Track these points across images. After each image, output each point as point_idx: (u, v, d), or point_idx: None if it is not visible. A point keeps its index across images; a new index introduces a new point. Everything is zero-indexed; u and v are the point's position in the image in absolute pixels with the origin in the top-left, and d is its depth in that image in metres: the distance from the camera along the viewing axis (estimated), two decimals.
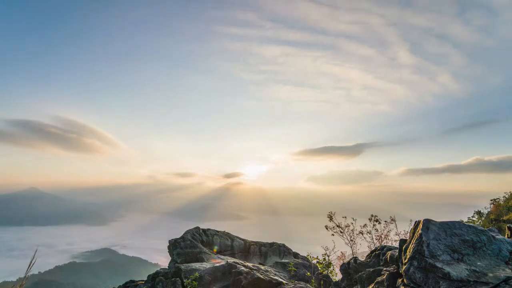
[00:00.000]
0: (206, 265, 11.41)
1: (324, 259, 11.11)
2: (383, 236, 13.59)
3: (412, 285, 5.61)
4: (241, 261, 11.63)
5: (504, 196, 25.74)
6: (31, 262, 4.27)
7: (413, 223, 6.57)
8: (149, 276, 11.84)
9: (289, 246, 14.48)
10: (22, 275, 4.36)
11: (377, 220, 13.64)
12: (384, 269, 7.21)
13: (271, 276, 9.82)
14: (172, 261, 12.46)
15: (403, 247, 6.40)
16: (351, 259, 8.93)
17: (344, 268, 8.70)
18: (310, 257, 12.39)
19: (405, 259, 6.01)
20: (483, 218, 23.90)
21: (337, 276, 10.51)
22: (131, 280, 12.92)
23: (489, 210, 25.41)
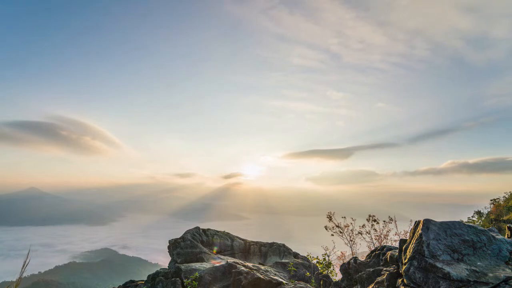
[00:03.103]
0: (206, 265, 11.41)
1: (324, 259, 11.12)
2: (382, 236, 13.61)
3: (412, 285, 5.61)
4: (241, 261, 11.63)
5: (504, 196, 25.76)
6: (25, 262, 4.28)
7: (413, 223, 6.57)
8: (149, 276, 11.83)
9: (289, 246, 14.47)
10: (22, 275, 4.37)
11: (375, 220, 13.66)
12: (384, 269, 7.21)
13: (271, 276, 9.82)
14: (172, 261, 12.46)
15: (403, 247, 6.40)
16: (351, 259, 8.93)
17: (344, 268, 8.70)
18: (310, 257, 12.39)
19: (405, 259, 6.01)
20: (483, 218, 23.90)
21: (337, 276, 10.51)
22: (131, 280, 12.90)
23: (489, 210, 25.42)
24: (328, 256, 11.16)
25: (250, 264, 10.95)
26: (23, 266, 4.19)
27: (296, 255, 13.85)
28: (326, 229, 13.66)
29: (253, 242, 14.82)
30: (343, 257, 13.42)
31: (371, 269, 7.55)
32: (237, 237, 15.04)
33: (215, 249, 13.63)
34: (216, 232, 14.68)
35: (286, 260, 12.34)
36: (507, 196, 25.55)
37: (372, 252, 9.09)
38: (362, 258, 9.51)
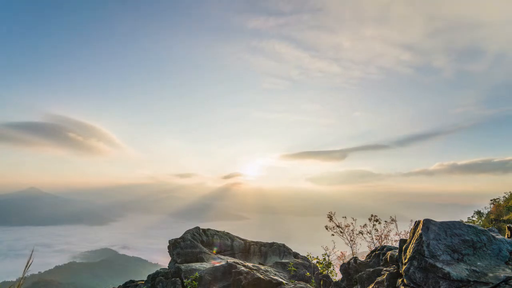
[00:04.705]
0: (206, 265, 11.41)
1: (324, 259, 11.11)
2: (383, 236, 13.61)
3: (412, 285, 5.61)
4: (241, 261, 11.63)
5: (504, 196, 25.77)
6: (28, 262, 4.29)
7: (413, 223, 6.58)
8: (149, 276, 11.83)
9: (289, 246, 14.46)
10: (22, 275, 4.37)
11: (377, 220, 13.66)
12: (384, 269, 7.21)
13: (271, 276, 9.82)
14: (172, 261, 12.46)
15: (403, 247, 6.41)
16: (351, 259, 8.93)
17: (344, 268, 8.70)
18: (310, 257, 12.39)
19: (405, 259, 6.02)
20: (483, 218, 23.91)
21: (337, 276, 10.51)
22: (131, 280, 12.91)
23: (489, 210, 25.43)
24: (328, 256, 11.16)
25: (250, 264, 10.96)
26: (26, 266, 4.20)
27: (296, 255, 13.84)
28: (327, 229, 13.66)
29: (253, 242, 14.81)
30: (343, 257, 13.42)
31: (371, 269, 7.55)
32: (237, 237, 15.04)
33: (215, 249, 13.63)
34: (216, 232, 14.68)
35: (286, 260, 12.34)
36: (507, 196, 25.56)
37: (372, 252, 9.09)
38: (362, 258, 9.51)
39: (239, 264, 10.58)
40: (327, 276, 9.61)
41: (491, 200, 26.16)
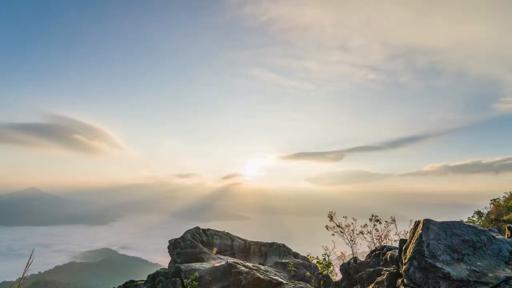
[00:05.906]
0: (206, 265, 11.41)
1: (324, 259, 11.12)
2: (383, 236, 13.61)
3: (412, 285, 5.61)
4: (241, 261, 11.62)
5: (504, 196, 25.76)
6: (28, 262, 4.30)
7: (413, 223, 6.58)
8: (149, 276, 11.82)
9: (289, 246, 14.46)
10: (24, 275, 4.37)
11: (377, 220, 13.66)
12: (384, 269, 7.21)
13: (271, 276, 9.82)
14: (172, 261, 12.46)
15: (403, 247, 6.41)
16: (351, 259, 8.93)
17: (344, 268, 8.70)
18: (310, 257, 12.39)
19: (405, 259, 6.02)
20: (483, 218, 23.91)
21: (337, 276, 10.52)
22: (131, 280, 12.89)
23: (489, 210, 25.42)
24: (328, 256, 11.17)
25: (250, 264, 10.95)
26: (27, 266, 4.21)
27: (296, 255, 13.84)
28: (327, 228, 13.67)
29: (253, 242, 14.81)
30: (343, 257, 13.42)
31: (371, 269, 7.55)
32: (237, 237, 15.03)
33: (215, 249, 13.63)
34: (216, 232, 14.67)
35: (286, 260, 12.34)
36: (507, 196, 25.56)
37: (372, 252, 9.09)
38: (362, 258, 9.52)
39: (239, 264, 10.58)
40: (327, 276, 9.61)
41: (491, 200, 26.15)
